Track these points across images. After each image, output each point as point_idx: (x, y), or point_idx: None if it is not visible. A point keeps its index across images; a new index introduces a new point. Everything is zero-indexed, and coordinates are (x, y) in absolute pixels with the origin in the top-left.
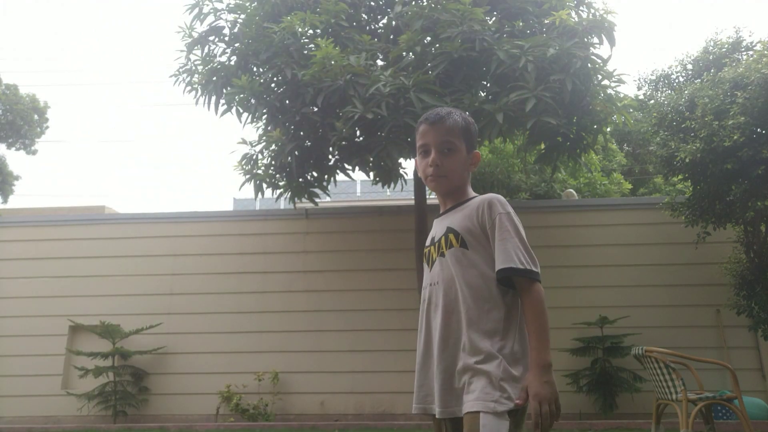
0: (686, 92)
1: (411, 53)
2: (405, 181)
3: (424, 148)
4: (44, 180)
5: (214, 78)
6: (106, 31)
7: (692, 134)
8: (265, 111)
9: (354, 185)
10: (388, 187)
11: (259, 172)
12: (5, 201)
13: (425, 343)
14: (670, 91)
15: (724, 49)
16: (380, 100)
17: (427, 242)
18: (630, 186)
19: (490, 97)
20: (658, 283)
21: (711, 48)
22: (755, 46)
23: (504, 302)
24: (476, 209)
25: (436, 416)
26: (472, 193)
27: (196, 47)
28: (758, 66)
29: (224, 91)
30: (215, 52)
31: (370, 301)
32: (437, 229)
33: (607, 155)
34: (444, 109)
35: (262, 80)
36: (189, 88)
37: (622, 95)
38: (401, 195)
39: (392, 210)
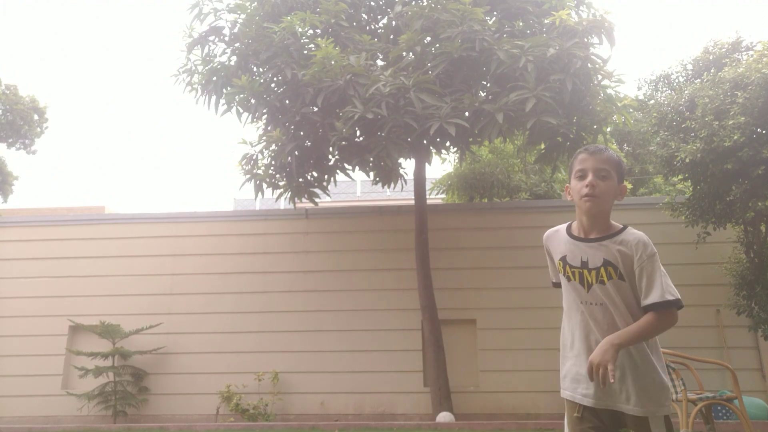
0: (686, 92)
1: (411, 53)
2: (405, 181)
3: (581, 173)
4: (44, 180)
5: (214, 78)
6: (106, 31)
7: (692, 134)
8: (265, 111)
9: (354, 185)
10: (388, 187)
11: (259, 172)
12: (5, 201)
13: (578, 348)
14: (670, 91)
15: (724, 49)
16: (380, 100)
17: (571, 260)
18: (630, 186)
19: (490, 97)
20: None
21: (711, 48)
22: (755, 46)
23: None
24: (634, 248)
25: (587, 406)
26: (614, 223)
27: (196, 47)
28: (758, 66)
29: (224, 91)
30: (215, 52)
31: (370, 301)
32: (588, 253)
33: None
34: (602, 145)
35: (262, 80)
36: (189, 87)
37: (622, 95)
38: (401, 195)
39: (392, 210)
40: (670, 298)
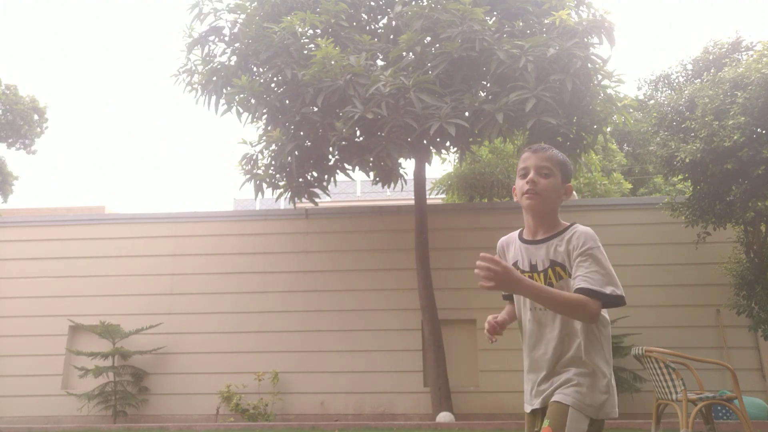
0: (686, 92)
1: (411, 53)
2: (405, 181)
3: (524, 171)
4: (44, 180)
5: (214, 78)
6: (106, 31)
7: (692, 134)
8: (265, 111)
9: (354, 185)
10: (388, 187)
11: (259, 172)
12: (5, 201)
13: (527, 365)
14: (670, 91)
15: (724, 49)
16: (380, 100)
17: (521, 264)
18: (630, 186)
19: (490, 97)
20: (658, 283)
21: (711, 48)
22: (755, 46)
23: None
24: (575, 241)
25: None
26: (562, 222)
27: (196, 47)
28: (758, 66)
29: (224, 91)
30: (215, 52)
31: (370, 301)
32: (535, 255)
33: (607, 155)
34: (546, 144)
35: (262, 80)
36: (189, 87)
37: (622, 95)
38: (401, 195)
39: (392, 210)
40: (601, 289)
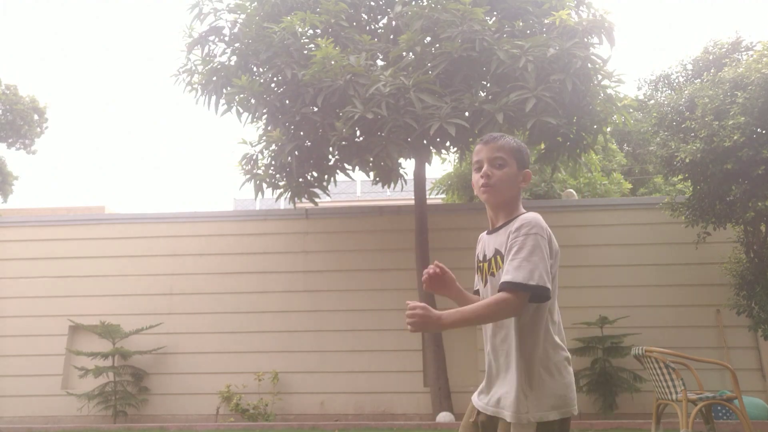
0: (686, 92)
1: (411, 53)
2: (405, 181)
3: (478, 164)
4: (44, 180)
5: (214, 78)
6: (106, 31)
7: (692, 134)
8: (265, 111)
9: (354, 185)
10: (388, 187)
11: (259, 172)
12: (5, 201)
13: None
14: (670, 91)
15: (724, 50)
16: (380, 100)
17: (479, 255)
18: (630, 186)
19: (490, 97)
20: (658, 283)
21: (711, 48)
22: (755, 46)
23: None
24: (515, 228)
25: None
26: (521, 210)
27: (196, 47)
28: (758, 66)
29: (224, 91)
30: (215, 52)
31: (370, 301)
32: (488, 245)
33: (607, 155)
34: (497, 133)
35: (262, 80)
36: (189, 87)
37: (622, 95)
38: (401, 195)
39: (392, 210)
40: (523, 281)
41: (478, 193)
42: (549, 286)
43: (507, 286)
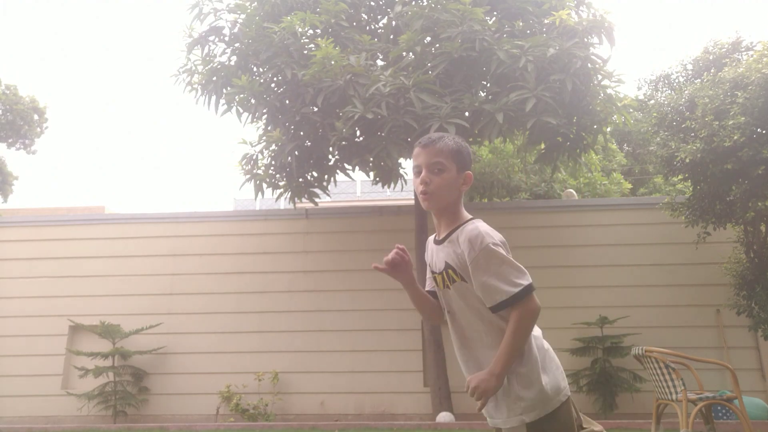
0: (686, 92)
1: (411, 53)
2: (405, 181)
3: (417, 169)
4: (44, 180)
5: (214, 78)
6: (106, 31)
7: (692, 134)
8: (265, 111)
9: (354, 185)
10: (388, 187)
11: (259, 172)
12: (5, 201)
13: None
14: (670, 91)
15: (724, 49)
16: (380, 100)
17: (430, 264)
18: (630, 186)
19: (490, 97)
20: (658, 283)
21: (711, 48)
22: (755, 46)
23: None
24: (463, 245)
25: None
26: (464, 215)
27: (196, 47)
28: (758, 66)
29: (224, 91)
30: (215, 52)
31: (370, 301)
32: (436, 257)
33: (607, 155)
34: (437, 133)
35: (262, 80)
36: (189, 87)
37: (622, 95)
38: (401, 195)
39: (392, 210)
40: (516, 289)
41: (420, 200)
42: (529, 280)
43: (518, 299)
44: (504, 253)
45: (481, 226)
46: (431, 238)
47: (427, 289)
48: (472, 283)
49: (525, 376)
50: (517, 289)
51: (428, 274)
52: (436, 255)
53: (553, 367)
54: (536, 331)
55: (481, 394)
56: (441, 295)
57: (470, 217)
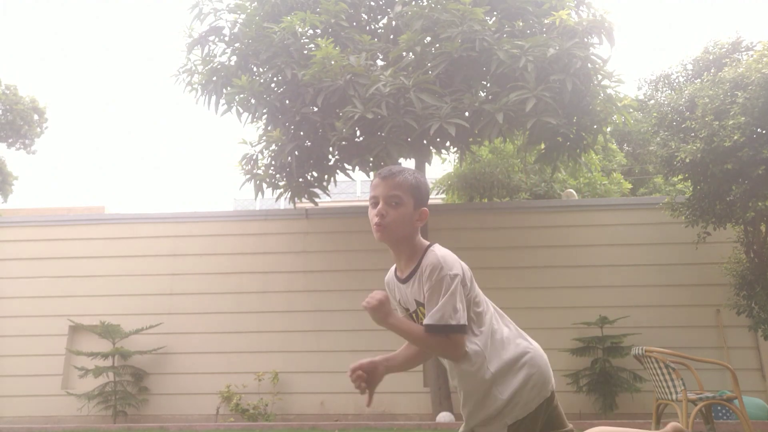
0: (686, 92)
1: (411, 53)
2: None
3: (374, 200)
4: (44, 180)
5: (214, 78)
6: (106, 31)
7: (692, 134)
8: (265, 111)
9: (354, 185)
10: None
11: (259, 172)
12: (5, 201)
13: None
14: (670, 91)
15: (724, 50)
16: (380, 100)
17: (401, 303)
18: (630, 186)
19: (490, 97)
20: (658, 283)
21: (711, 48)
22: (755, 46)
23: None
24: (426, 275)
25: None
26: (421, 245)
27: (196, 47)
28: (758, 66)
29: (224, 91)
30: (215, 52)
31: None
32: (405, 296)
33: (607, 155)
34: (398, 166)
35: (262, 80)
36: (189, 87)
37: (622, 95)
38: None
39: None
40: (441, 323)
41: (373, 231)
42: (461, 322)
43: (440, 330)
44: (454, 288)
45: (439, 252)
46: (391, 273)
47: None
48: None
49: (503, 383)
50: (451, 321)
51: (393, 305)
52: (403, 294)
53: (532, 376)
54: (522, 345)
55: (370, 304)
56: None
57: (428, 244)
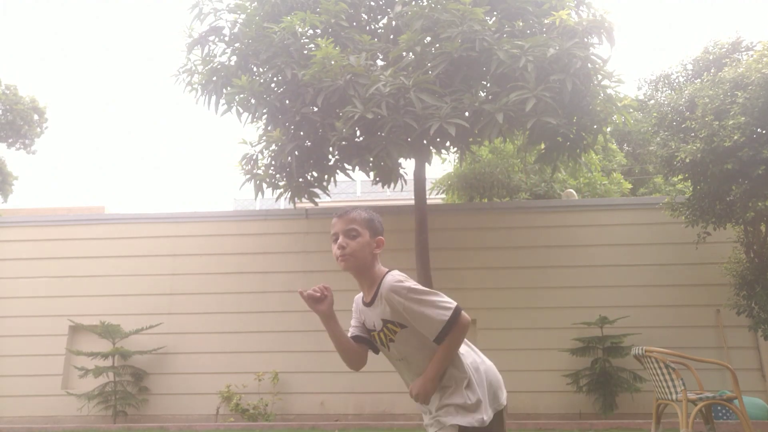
0: (686, 92)
1: (411, 53)
2: (405, 181)
3: (335, 236)
4: (44, 180)
5: (214, 78)
6: (106, 31)
7: (692, 134)
8: (265, 111)
9: (354, 185)
10: (388, 187)
11: (259, 172)
12: (5, 201)
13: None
14: (670, 91)
15: (724, 50)
16: (380, 100)
17: (369, 326)
18: (630, 186)
19: (490, 97)
20: (658, 283)
21: (711, 48)
22: (755, 46)
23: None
24: (392, 300)
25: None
26: (380, 272)
27: (196, 47)
28: (758, 66)
29: (224, 91)
30: (215, 52)
31: None
32: (371, 318)
33: (607, 155)
34: (351, 206)
35: (262, 80)
36: (189, 87)
37: (622, 95)
38: (401, 195)
39: (392, 210)
40: (445, 317)
41: (338, 263)
42: (454, 302)
43: (450, 326)
44: (421, 292)
45: (396, 275)
46: (359, 298)
47: (351, 334)
48: (412, 326)
49: (454, 389)
50: (448, 313)
51: (354, 323)
52: (369, 316)
53: (484, 385)
54: (471, 356)
55: (424, 398)
56: (390, 351)
57: (386, 270)
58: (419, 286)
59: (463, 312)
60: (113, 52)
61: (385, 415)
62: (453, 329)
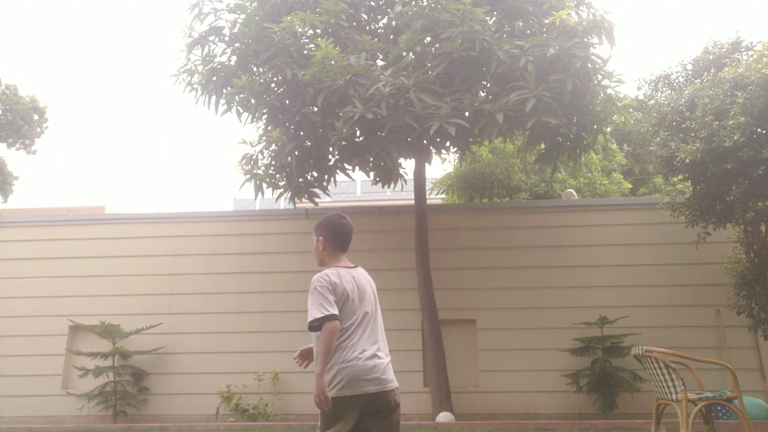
0: (686, 92)
1: (411, 53)
2: (405, 181)
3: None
4: (44, 180)
5: (214, 78)
6: (106, 31)
7: (692, 134)
8: (265, 111)
9: (354, 185)
10: (388, 187)
11: (259, 172)
12: (5, 201)
13: None
14: (670, 91)
15: (724, 50)
16: (380, 100)
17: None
18: (630, 186)
19: (490, 97)
20: (658, 283)
21: (711, 48)
22: (755, 46)
23: None
24: None
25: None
26: (328, 267)
27: (196, 47)
28: (758, 66)
29: (224, 91)
30: (215, 52)
31: None
32: None
33: (607, 155)
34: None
35: (262, 80)
36: (189, 87)
37: (622, 95)
38: (401, 195)
39: (392, 210)
40: (312, 317)
41: None
42: (317, 315)
43: (311, 328)
44: (321, 292)
45: (323, 274)
46: None
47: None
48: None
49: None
50: (318, 316)
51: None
52: None
53: (344, 371)
54: (353, 350)
55: (318, 392)
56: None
57: (328, 267)
58: (320, 288)
59: (330, 322)
60: (113, 52)
61: None
62: (322, 331)
